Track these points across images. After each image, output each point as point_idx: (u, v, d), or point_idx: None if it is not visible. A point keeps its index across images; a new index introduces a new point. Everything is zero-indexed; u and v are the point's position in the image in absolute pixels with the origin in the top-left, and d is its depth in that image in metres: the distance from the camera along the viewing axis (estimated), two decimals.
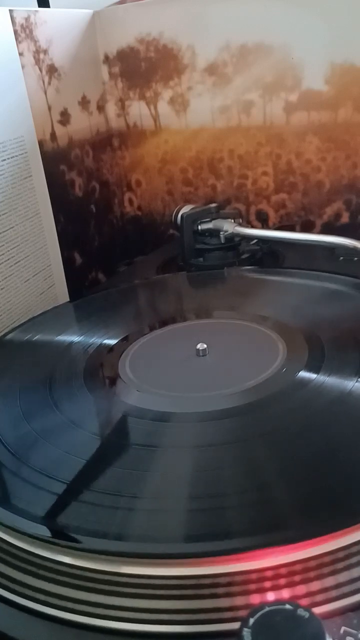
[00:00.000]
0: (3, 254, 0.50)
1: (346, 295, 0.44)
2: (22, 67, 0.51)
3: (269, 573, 0.21)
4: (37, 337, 0.43)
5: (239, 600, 0.21)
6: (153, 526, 0.24)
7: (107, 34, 0.62)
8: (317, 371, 0.33)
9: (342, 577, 0.22)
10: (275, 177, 0.60)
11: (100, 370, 0.37)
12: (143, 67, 0.62)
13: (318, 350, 0.35)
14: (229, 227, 0.53)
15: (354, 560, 0.22)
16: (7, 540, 0.25)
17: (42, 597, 0.23)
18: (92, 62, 0.63)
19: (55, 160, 0.57)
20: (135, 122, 0.65)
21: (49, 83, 0.55)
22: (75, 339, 0.42)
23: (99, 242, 0.65)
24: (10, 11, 0.50)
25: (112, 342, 0.41)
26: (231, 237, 0.53)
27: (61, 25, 0.57)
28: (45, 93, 0.55)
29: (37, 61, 0.53)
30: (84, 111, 0.61)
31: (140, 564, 0.23)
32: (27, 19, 0.52)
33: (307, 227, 0.61)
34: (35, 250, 0.54)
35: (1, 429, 0.32)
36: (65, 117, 0.58)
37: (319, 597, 0.21)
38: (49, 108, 0.56)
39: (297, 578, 0.21)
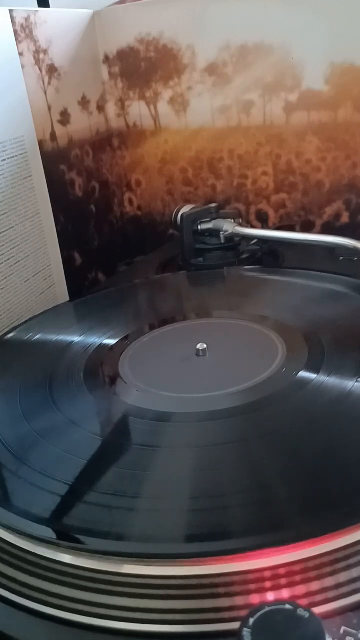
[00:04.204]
0: (3, 254, 0.50)
1: (346, 295, 0.44)
2: (22, 67, 0.51)
3: (268, 573, 0.21)
4: (37, 337, 0.43)
5: (239, 600, 0.21)
6: (153, 526, 0.24)
7: (107, 34, 0.62)
8: (317, 371, 0.33)
9: (342, 577, 0.22)
10: (275, 177, 0.60)
11: (100, 370, 0.37)
12: (143, 67, 0.62)
13: (318, 350, 0.35)
14: (229, 227, 0.53)
15: (353, 560, 0.22)
16: (7, 540, 0.25)
17: (42, 597, 0.23)
18: (92, 62, 0.62)
19: (55, 160, 0.57)
20: (135, 122, 0.65)
21: (49, 83, 0.55)
22: (75, 338, 0.42)
23: (99, 242, 0.65)
24: (10, 11, 0.50)
25: (112, 341, 0.41)
26: (231, 237, 0.53)
27: (61, 25, 0.57)
28: (45, 93, 0.55)
29: (37, 61, 0.53)
30: (84, 111, 0.61)
31: (141, 564, 0.23)
32: (27, 19, 0.52)
33: (307, 227, 0.61)
34: (35, 250, 0.54)
35: (1, 429, 0.32)
36: (65, 117, 0.58)
37: (319, 597, 0.21)
38: (49, 108, 0.56)
39: (297, 578, 0.21)
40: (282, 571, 0.21)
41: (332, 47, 0.53)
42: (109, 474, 0.27)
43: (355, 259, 0.49)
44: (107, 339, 0.41)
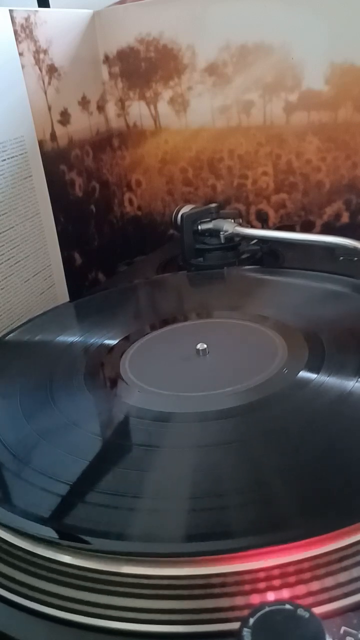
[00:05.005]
0: (3, 254, 0.50)
1: (346, 295, 0.44)
2: (22, 67, 0.51)
3: (269, 573, 0.21)
4: (37, 337, 0.43)
5: (239, 600, 0.21)
6: (153, 526, 0.24)
7: (107, 34, 0.62)
8: (317, 371, 0.33)
9: (342, 577, 0.22)
10: (275, 177, 0.60)
11: (100, 371, 0.37)
12: (143, 67, 0.62)
13: (318, 350, 0.35)
14: (229, 227, 0.53)
15: (353, 560, 0.22)
16: (7, 540, 0.25)
17: (42, 597, 0.23)
18: (92, 62, 0.63)
19: (55, 160, 0.57)
20: (135, 122, 0.65)
21: (49, 83, 0.55)
22: (75, 339, 0.42)
23: (99, 242, 0.65)
24: (10, 11, 0.50)
25: (113, 342, 0.41)
26: (231, 237, 0.53)
27: (61, 25, 0.57)
28: (45, 93, 0.55)
29: (37, 61, 0.53)
30: (84, 111, 0.61)
31: (141, 564, 0.23)
32: (27, 19, 0.52)
33: (307, 227, 0.61)
34: (35, 250, 0.54)
35: (2, 429, 0.32)
36: (65, 117, 0.58)
37: (319, 597, 0.21)
38: (49, 108, 0.56)
39: (297, 578, 0.21)
40: (282, 571, 0.22)
41: (332, 47, 0.53)
42: (109, 474, 0.27)
43: (355, 259, 0.49)
44: (107, 339, 0.41)
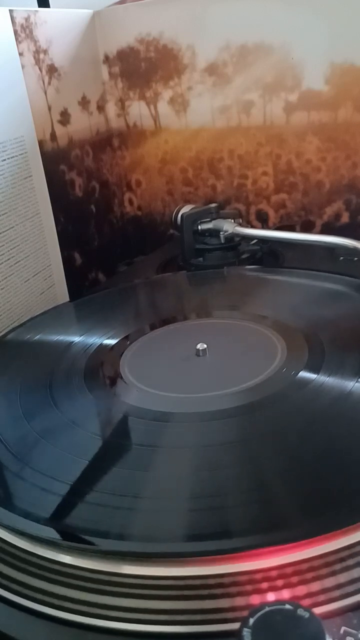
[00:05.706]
0: (3, 254, 0.50)
1: (346, 295, 0.44)
2: (22, 67, 0.51)
3: (269, 573, 0.21)
4: (37, 337, 0.43)
5: (239, 601, 0.21)
6: (153, 526, 0.24)
7: (107, 34, 0.62)
8: (317, 371, 0.33)
9: (342, 577, 0.22)
10: (275, 177, 0.60)
11: (100, 370, 0.37)
12: (143, 67, 0.62)
13: (318, 350, 0.35)
14: (229, 227, 0.53)
15: (353, 560, 0.22)
16: (7, 540, 0.25)
17: (42, 597, 0.23)
18: (92, 62, 0.62)
19: (55, 160, 0.57)
20: (135, 122, 0.65)
21: (49, 83, 0.55)
22: (75, 339, 0.42)
23: (99, 242, 0.65)
24: (10, 11, 0.50)
25: (112, 341, 0.41)
26: (231, 237, 0.53)
27: (61, 25, 0.57)
28: (45, 93, 0.55)
29: (37, 61, 0.53)
30: (84, 111, 0.61)
31: (141, 564, 0.23)
32: (27, 19, 0.52)
33: (307, 227, 0.61)
34: (35, 250, 0.54)
35: (1, 429, 0.32)
36: (65, 117, 0.58)
37: (319, 597, 0.21)
38: (49, 108, 0.56)
39: (297, 578, 0.21)
40: (282, 571, 0.21)
41: (332, 47, 0.53)
42: (109, 474, 0.27)
43: (355, 259, 0.49)
44: (107, 339, 0.41)
